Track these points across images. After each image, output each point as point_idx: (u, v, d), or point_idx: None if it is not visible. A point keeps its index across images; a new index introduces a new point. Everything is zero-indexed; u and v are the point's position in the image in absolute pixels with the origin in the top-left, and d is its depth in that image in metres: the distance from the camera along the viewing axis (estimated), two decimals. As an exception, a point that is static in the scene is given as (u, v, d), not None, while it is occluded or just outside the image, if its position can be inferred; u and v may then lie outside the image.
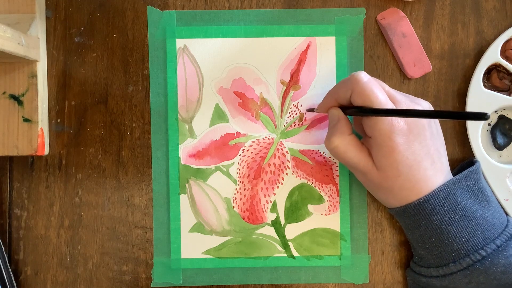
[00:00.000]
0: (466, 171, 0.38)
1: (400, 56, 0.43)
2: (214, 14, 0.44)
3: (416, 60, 0.43)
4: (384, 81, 0.43)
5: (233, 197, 0.44)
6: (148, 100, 0.44)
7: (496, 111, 0.44)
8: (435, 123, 0.39)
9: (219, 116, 0.44)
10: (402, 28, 0.43)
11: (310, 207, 0.44)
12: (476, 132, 0.42)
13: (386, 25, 0.43)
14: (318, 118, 0.44)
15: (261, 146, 0.44)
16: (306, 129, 0.44)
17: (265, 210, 0.44)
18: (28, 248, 0.44)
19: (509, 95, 0.43)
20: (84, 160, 0.44)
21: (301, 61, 0.44)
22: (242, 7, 0.44)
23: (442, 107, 0.44)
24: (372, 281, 0.44)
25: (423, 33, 0.44)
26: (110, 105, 0.44)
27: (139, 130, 0.44)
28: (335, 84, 0.41)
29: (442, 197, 0.37)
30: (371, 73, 0.44)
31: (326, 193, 0.44)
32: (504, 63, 0.42)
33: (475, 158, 0.42)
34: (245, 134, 0.44)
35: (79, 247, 0.44)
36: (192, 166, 0.44)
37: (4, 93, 0.42)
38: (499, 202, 0.42)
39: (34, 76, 0.42)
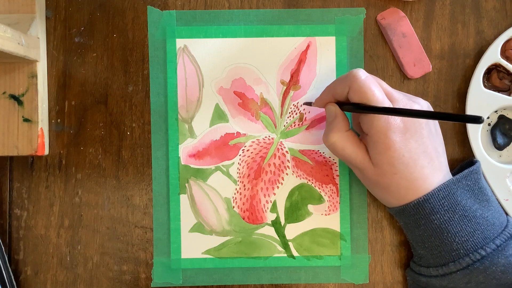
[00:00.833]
0: (466, 170, 0.38)
1: (400, 56, 0.43)
2: (214, 14, 0.44)
3: (416, 60, 0.43)
4: (384, 81, 0.43)
5: (233, 197, 0.44)
6: (148, 100, 0.44)
7: (496, 111, 0.44)
8: (433, 121, 0.39)
9: (219, 116, 0.44)
10: (402, 28, 0.43)
11: (310, 207, 0.44)
12: (476, 132, 0.42)
13: (386, 25, 0.43)
14: (318, 118, 0.44)
15: (261, 146, 0.44)
16: (306, 129, 0.44)
17: (265, 210, 0.44)
18: (28, 248, 0.44)
19: (509, 95, 0.43)
20: (84, 160, 0.44)
21: (301, 61, 0.44)
22: (242, 7, 0.44)
23: (442, 107, 0.44)
24: (372, 281, 0.44)
25: (423, 33, 0.44)
26: (110, 105, 0.44)
27: (139, 130, 0.44)
28: (324, 89, 0.41)
29: (441, 197, 0.37)
30: (371, 73, 0.44)
31: (326, 193, 0.44)
32: (504, 63, 0.42)
33: (475, 158, 0.42)
34: (245, 134, 0.44)
35: (79, 247, 0.44)
36: (192, 166, 0.44)
37: (4, 93, 0.42)
38: (499, 202, 0.42)
39: (34, 76, 0.42)
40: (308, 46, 0.44)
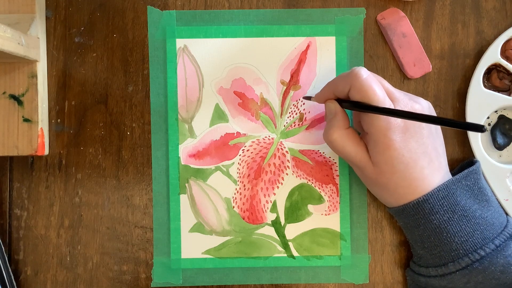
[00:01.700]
0: (466, 171, 0.38)
1: (400, 56, 0.43)
2: (214, 14, 0.44)
3: (416, 60, 0.43)
4: (384, 81, 0.43)
5: (233, 197, 0.44)
6: (148, 100, 0.44)
7: (496, 111, 0.44)
8: None
9: (219, 116, 0.44)
10: (402, 28, 0.43)
11: (310, 207, 0.44)
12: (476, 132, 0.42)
13: (386, 25, 0.43)
14: (318, 118, 0.44)
15: (261, 146, 0.44)
16: (306, 129, 0.44)
17: (265, 210, 0.44)
18: (28, 248, 0.44)
19: (509, 95, 0.43)
20: (84, 160, 0.44)
21: (301, 61, 0.44)
22: (242, 7, 0.44)
23: (442, 107, 0.44)
24: (372, 281, 0.44)
25: (423, 33, 0.44)
26: (110, 105, 0.44)
27: (139, 130, 0.44)
28: (325, 85, 0.41)
29: (441, 197, 0.37)
30: (371, 73, 0.44)
31: (326, 193, 0.44)
32: (504, 63, 0.42)
33: (475, 158, 0.42)
34: (245, 134, 0.44)
35: (79, 247, 0.44)
36: (192, 166, 0.44)
37: (4, 93, 0.42)
38: (499, 202, 0.42)
39: (34, 76, 0.42)
40: (308, 46, 0.44)
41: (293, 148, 0.44)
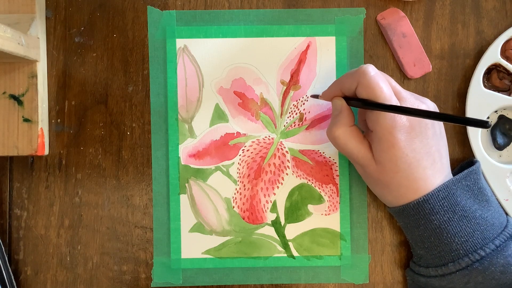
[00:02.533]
0: (466, 171, 0.38)
1: (400, 56, 0.43)
2: (214, 14, 0.44)
3: (416, 60, 0.43)
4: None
5: (233, 197, 0.44)
6: (148, 100, 0.44)
7: (496, 111, 0.44)
8: (438, 123, 0.39)
9: (219, 116, 0.44)
10: (402, 28, 0.43)
11: (310, 207, 0.44)
12: (476, 132, 0.42)
13: (386, 25, 0.43)
14: (318, 118, 0.44)
15: (261, 146, 0.44)
16: (306, 129, 0.44)
17: (265, 210, 0.44)
18: (28, 248, 0.44)
19: (509, 95, 0.43)
20: (84, 160, 0.44)
21: (301, 61, 0.44)
22: (242, 7, 0.44)
23: (442, 107, 0.44)
24: (372, 281, 0.44)
25: (423, 33, 0.44)
26: (110, 105, 0.44)
27: (139, 130, 0.44)
28: (332, 83, 0.41)
29: (441, 197, 0.37)
30: (371, 73, 0.44)
31: (326, 193, 0.44)
32: (504, 63, 0.42)
33: (475, 158, 0.42)
34: (245, 134, 0.44)
35: (79, 247, 0.44)
36: (192, 166, 0.44)
37: (4, 93, 0.42)
38: (499, 202, 0.42)
39: (34, 76, 0.42)
40: (308, 46, 0.44)
41: (293, 148, 0.44)
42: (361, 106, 0.37)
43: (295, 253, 0.44)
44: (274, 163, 0.44)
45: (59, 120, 0.44)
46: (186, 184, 0.44)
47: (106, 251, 0.44)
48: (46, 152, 0.43)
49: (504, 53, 0.43)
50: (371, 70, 0.37)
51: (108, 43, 0.44)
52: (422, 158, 0.37)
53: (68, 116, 0.44)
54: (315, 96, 0.42)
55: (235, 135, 0.44)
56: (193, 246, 0.44)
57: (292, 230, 0.44)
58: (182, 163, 0.44)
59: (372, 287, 0.44)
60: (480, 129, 0.43)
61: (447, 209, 0.37)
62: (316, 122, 0.44)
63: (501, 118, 0.44)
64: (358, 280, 0.44)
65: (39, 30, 0.42)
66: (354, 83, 0.37)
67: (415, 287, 0.42)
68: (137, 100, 0.44)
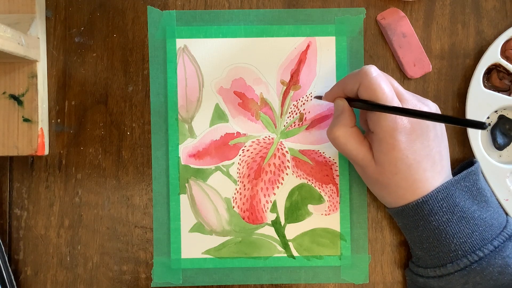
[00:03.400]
0: (465, 172, 0.38)
1: (400, 56, 0.43)
2: (214, 14, 0.44)
3: (416, 60, 0.43)
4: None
5: (233, 197, 0.44)
6: (148, 100, 0.44)
7: (496, 111, 0.44)
8: (440, 125, 0.39)
9: (219, 116, 0.44)
10: (402, 28, 0.43)
11: (310, 207, 0.44)
12: (476, 132, 0.42)
13: (386, 25, 0.43)
14: (318, 118, 0.44)
15: (261, 146, 0.44)
16: (306, 129, 0.44)
17: (265, 210, 0.44)
18: (28, 248, 0.44)
19: (509, 95, 0.43)
20: (84, 160, 0.44)
21: (301, 61, 0.44)
22: (242, 7, 0.44)
23: (442, 107, 0.44)
24: (372, 281, 0.44)
25: (423, 33, 0.44)
26: (110, 105, 0.44)
27: (139, 130, 0.44)
28: (335, 84, 0.41)
29: (440, 198, 0.37)
30: (371, 73, 0.44)
31: (326, 193, 0.44)
32: (504, 63, 0.42)
33: (475, 158, 0.42)
34: (245, 134, 0.44)
35: (79, 247, 0.44)
36: (192, 166, 0.44)
37: (4, 93, 0.42)
38: (499, 202, 0.42)
39: (34, 76, 0.42)
40: (308, 46, 0.44)
41: (293, 148, 0.44)
42: (363, 107, 0.37)
43: (295, 253, 0.44)
44: (274, 163, 0.44)
45: (59, 120, 0.44)
46: (186, 184, 0.44)
47: (106, 251, 0.44)
48: (46, 152, 0.43)
49: (504, 53, 0.43)
50: (373, 71, 0.37)
51: (108, 43, 0.44)
52: (423, 160, 0.37)
53: (68, 116, 0.44)
54: (319, 97, 0.43)
55: (235, 135, 0.44)
56: (193, 246, 0.44)
57: (292, 230, 0.44)
58: (182, 163, 0.44)
59: (372, 287, 0.44)
60: (479, 130, 0.42)
61: (446, 210, 0.37)
62: (316, 122, 0.44)
63: (501, 118, 0.44)
64: (358, 280, 0.44)
65: (39, 30, 0.42)
66: (356, 84, 0.37)
67: (414, 287, 0.42)
68: (137, 100, 0.44)
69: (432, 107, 0.38)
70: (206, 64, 0.44)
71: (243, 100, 0.44)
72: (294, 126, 0.44)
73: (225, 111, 0.44)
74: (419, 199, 0.37)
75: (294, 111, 0.44)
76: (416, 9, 0.44)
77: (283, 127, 0.44)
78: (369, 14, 0.44)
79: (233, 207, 0.44)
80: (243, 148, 0.44)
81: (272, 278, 0.44)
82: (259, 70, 0.44)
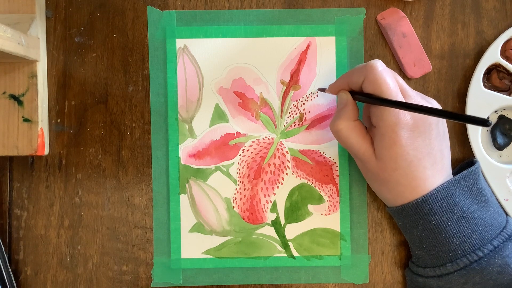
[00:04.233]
0: (465, 171, 0.38)
1: (400, 56, 0.43)
2: (214, 14, 0.44)
3: (416, 60, 0.43)
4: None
5: (233, 197, 0.44)
6: (148, 100, 0.44)
7: (496, 111, 0.44)
8: (442, 124, 0.39)
9: (219, 116, 0.44)
10: (402, 28, 0.43)
11: (310, 207, 0.44)
12: (476, 132, 0.42)
13: (386, 25, 0.43)
14: (318, 118, 0.44)
15: (261, 146, 0.44)
16: (306, 129, 0.44)
17: (265, 210, 0.44)
18: (28, 248, 0.44)
19: (509, 95, 0.43)
20: (84, 160, 0.44)
21: (301, 61, 0.44)
22: (242, 7, 0.44)
23: (442, 107, 0.44)
24: (372, 281, 0.44)
25: (423, 33, 0.44)
26: (110, 105, 0.44)
27: (139, 130, 0.44)
28: (340, 76, 0.41)
29: (440, 197, 0.37)
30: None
31: (326, 193, 0.44)
32: (504, 63, 0.42)
33: (475, 158, 0.42)
34: (245, 134, 0.44)
35: (79, 247, 0.44)
36: (192, 166, 0.44)
37: (4, 93, 0.42)
38: (499, 202, 0.42)
39: (34, 76, 0.42)
40: (308, 46, 0.44)
41: (293, 148, 0.44)
42: (366, 100, 0.37)
43: (295, 253, 0.44)
44: (274, 163, 0.44)
45: (59, 120, 0.44)
46: (186, 184, 0.44)
47: (106, 251, 0.44)
48: (46, 152, 0.43)
49: (504, 53, 0.43)
50: (379, 65, 0.37)
51: (108, 43, 0.44)
52: (423, 158, 0.37)
53: (68, 116, 0.44)
54: (323, 90, 0.43)
55: (235, 135, 0.44)
56: (193, 246, 0.44)
57: (292, 230, 0.44)
58: (182, 163, 0.44)
59: (372, 287, 0.44)
60: (480, 129, 0.43)
61: (445, 210, 0.37)
62: (316, 122, 0.44)
63: (501, 118, 0.44)
64: (358, 280, 0.44)
65: (39, 30, 0.42)
66: (361, 77, 0.37)
67: (414, 287, 0.42)
68: (137, 100, 0.44)
69: (435, 106, 0.39)
70: (206, 64, 0.44)
71: (243, 100, 0.44)
72: (294, 126, 0.44)
73: (225, 111, 0.44)
74: (419, 198, 0.37)
75: (294, 111, 0.44)
76: (416, 9, 0.44)
77: (283, 127, 0.44)
78: (369, 14, 0.44)
79: (233, 207, 0.44)
80: (243, 148, 0.44)
81: (272, 278, 0.44)
82: (259, 70, 0.44)
